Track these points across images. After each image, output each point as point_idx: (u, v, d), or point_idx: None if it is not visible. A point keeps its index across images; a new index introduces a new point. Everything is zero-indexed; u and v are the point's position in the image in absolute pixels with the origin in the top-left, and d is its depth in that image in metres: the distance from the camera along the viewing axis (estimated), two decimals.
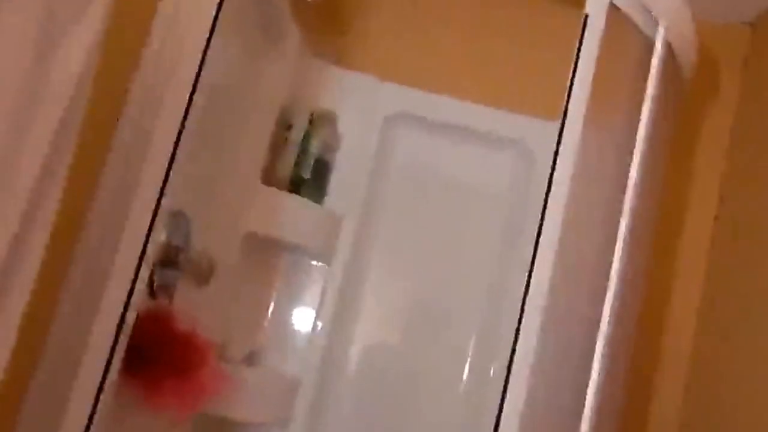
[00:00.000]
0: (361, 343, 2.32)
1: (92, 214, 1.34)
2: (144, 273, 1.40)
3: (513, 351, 1.49)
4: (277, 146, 2.18)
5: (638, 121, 1.64)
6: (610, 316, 1.57)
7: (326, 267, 2.29)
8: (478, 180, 2.36)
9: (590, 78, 1.55)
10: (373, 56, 2.38)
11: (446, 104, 2.33)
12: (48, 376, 1.30)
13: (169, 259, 1.69)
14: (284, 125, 2.20)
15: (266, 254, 2.26)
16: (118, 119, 1.38)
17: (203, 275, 1.85)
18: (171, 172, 1.39)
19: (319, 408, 2.22)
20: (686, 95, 2.04)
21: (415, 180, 2.38)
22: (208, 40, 1.43)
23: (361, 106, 2.32)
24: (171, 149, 1.38)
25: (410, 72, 2.36)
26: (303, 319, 2.29)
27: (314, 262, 2.31)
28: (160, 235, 1.62)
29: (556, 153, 1.55)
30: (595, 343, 1.56)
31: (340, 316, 2.26)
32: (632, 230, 1.61)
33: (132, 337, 1.47)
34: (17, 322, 0.88)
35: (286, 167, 2.19)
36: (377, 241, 2.35)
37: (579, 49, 1.57)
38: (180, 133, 1.39)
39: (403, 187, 2.37)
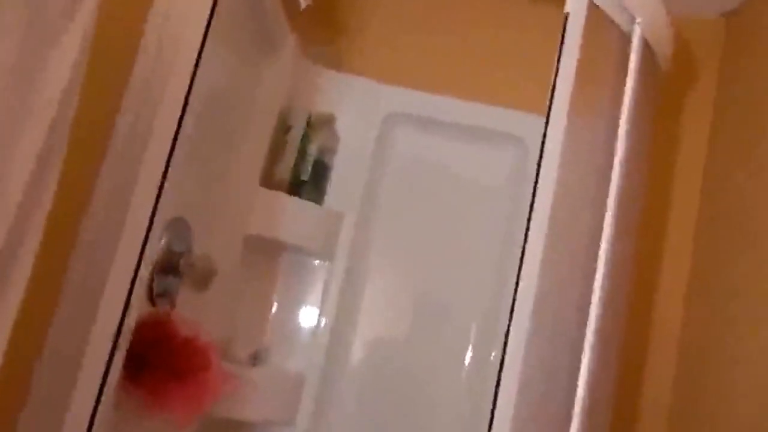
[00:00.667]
0: (364, 339, 2.36)
1: (88, 222, 1.35)
2: (143, 280, 1.43)
3: (506, 339, 1.52)
4: (276, 149, 2.22)
5: (620, 113, 1.67)
6: (599, 303, 1.60)
7: (328, 266, 2.32)
8: (476, 176, 2.40)
9: (572, 74, 1.58)
10: (369, 58, 2.42)
11: (442, 103, 2.36)
12: (46, 385, 1.31)
13: (170, 265, 1.72)
14: (283, 128, 2.23)
15: (268, 255, 2.30)
16: (113, 127, 1.40)
17: (205, 279, 1.88)
18: (167, 179, 1.41)
19: (325, 404, 2.26)
20: (665, 87, 2.07)
21: (414, 178, 2.41)
22: (202, 46, 1.45)
23: (358, 107, 2.36)
24: (167, 156, 1.39)
25: (406, 72, 2.39)
26: (306, 317, 2.32)
27: (316, 262, 2.35)
28: (160, 242, 1.66)
29: (543, 146, 1.59)
30: (586, 327, 1.59)
31: (342, 314, 2.30)
32: (618, 218, 1.64)
33: (134, 344, 1.50)
34: (8, 329, 0.90)
35: (285, 170, 2.23)
36: (377, 240, 2.38)
37: (561, 47, 1.60)
38: (175, 139, 1.41)
39: (401, 185, 2.41)
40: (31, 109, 0.89)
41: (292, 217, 2.22)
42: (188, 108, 1.42)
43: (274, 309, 2.32)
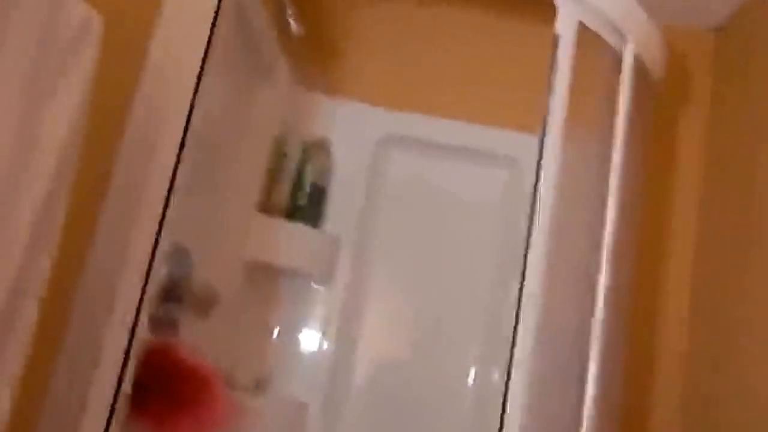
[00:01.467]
0: (367, 361, 2.36)
1: (92, 256, 1.37)
2: (146, 310, 1.45)
3: (511, 355, 1.53)
4: (272, 175, 2.24)
5: (614, 130, 1.69)
6: (603, 317, 1.61)
7: (327, 290, 2.33)
8: (471, 195, 2.42)
9: (565, 95, 1.60)
10: (361, 82, 2.44)
11: (435, 125, 2.39)
12: (54, 417, 1.32)
13: (171, 293, 1.73)
14: (278, 154, 2.26)
15: (268, 281, 2.31)
16: (113, 163, 1.42)
17: (206, 306, 1.89)
18: (168, 210, 1.43)
19: (330, 429, 2.26)
20: (659, 102, 2.09)
21: (410, 199, 2.43)
22: (199, 78, 1.47)
23: (351, 131, 2.38)
24: (167, 189, 1.42)
25: (398, 95, 2.42)
26: (308, 342, 2.33)
27: (315, 286, 2.36)
28: (161, 271, 1.67)
29: (539, 166, 1.60)
30: (590, 345, 1.60)
31: (344, 337, 2.31)
32: (618, 234, 1.66)
33: (139, 372, 1.51)
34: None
35: (282, 195, 2.25)
36: (376, 261, 2.40)
37: (553, 68, 1.63)
38: (174, 172, 1.43)
39: (398, 206, 2.43)
40: (29, 164, 0.90)
41: (290, 241, 2.24)
42: (188, 137, 1.44)
43: (275, 334, 2.33)
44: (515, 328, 1.55)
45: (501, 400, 1.53)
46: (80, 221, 1.35)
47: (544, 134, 1.61)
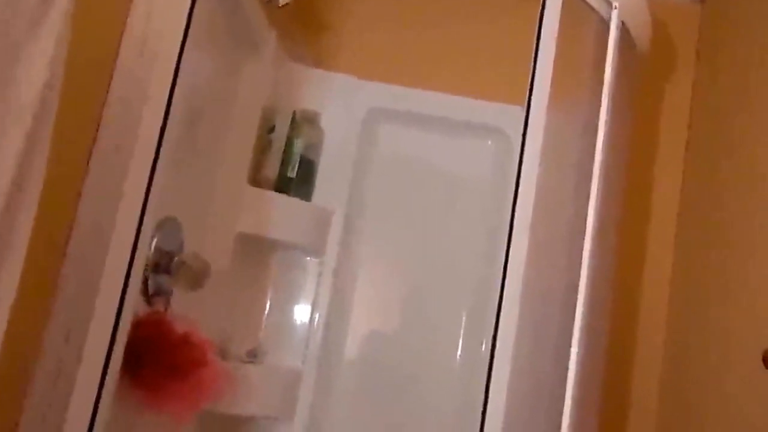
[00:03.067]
0: (358, 332, 2.39)
1: (77, 228, 1.37)
2: (136, 280, 1.46)
3: (496, 326, 1.55)
4: (261, 148, 2.25)
5: (600, 99, 1.70)
6: (586, 288, 1.63)
7: (319, 261, 2.35)
8: (460, 168, 2.43)
9: (551, 61, 1.61)
10: (349, 54, 2.44)
11: (424, 97, 2.39)
12: (45, 387, 1.33)
13: (162, 265, 1.75)
14: (267, 127, 2.26)
15: (259, 253, 2.33)
16: (98, 129, 1.42)
17: (198, 278, 1.89)
18: (155, 178, 1.44)
19: (323, 398, 2.28)
20: (644, 71, 2.10)
21: (399, 172, 2.44)
22: (182, 47, 1.46)
23: (340, 104, 2.39)
24: (153, 156, 1.42)
25: (387, 68, 2.42)
26: (300, 313, 2.35)
27: (307, 258, 2.38)
28: (151, 241, 1.69)
29: (524, 135, 1.62)
30: (574, 314, 1.62)
31: (335, 309, 2.33)
32: (602, 203, 1.67)
33: (130, 342, 1.53)
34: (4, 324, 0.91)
35: (272, 168, 2.25)
36: (367, 234, 2.41)
37: (539, 35, 1.63)
38: (161, 139, 1.43)
39: (387, 180, 2.44)
40: (9, 108, 0.89)
41: (281, 214, 2.25)
42: (172, 109, 1.44)
43: (267, 306, 2.35)
44: (500, 298, 1.57)
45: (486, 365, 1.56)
46: (62, 198, 1.37)
47: (529, 102, 1.62)
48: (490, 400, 1.53)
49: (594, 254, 1.65)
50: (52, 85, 0.95)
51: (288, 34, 2.28)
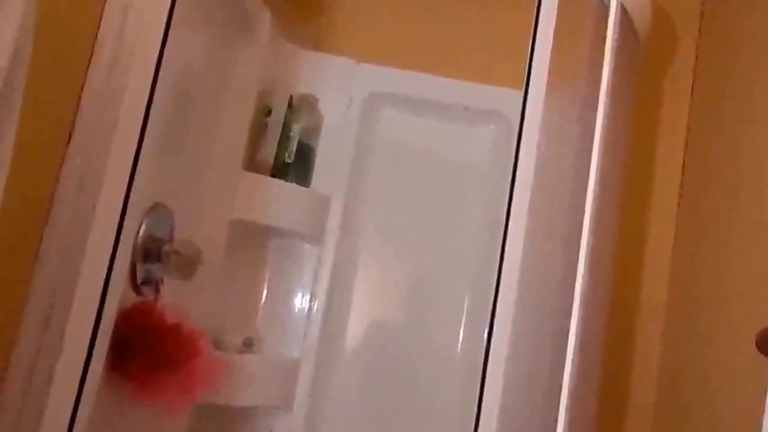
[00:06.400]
0: (357, 321, 2.35)
1: (56, 211, 1.33)
2: (121, 268, 1.42)
3: (492, 316, 1.52)
4: (257, 132, 2.20)
5: (600, 83, 1.65)
6: (584, 275, 1.59)
7: (317, 249, 2.31)
8: (460, 153, 2.39)
9: (549, 45, 1.57)
10: (347, 37, 2.39)
11: (425, 81, 2.34)
12: (21, 379, 1.29)
13: (152, 253, 1.71)
14: (263, 110, 2.21)
15: (256, 241, 2.28)
16: (78, 110, 1.37)
17: (190, 266, 1.86)
18: (139, 164, 1.39)
19: (322, 388, 2.25)
20: (645, 54, 2.05)
21: (399, 157, 2.40)
22: (168, 24, 1.42)
23: (338, 87, 2.33)
24: (137, 140, 1.37)
25: (386, 51, 2.37)
26: (298, 302, 2.31)
27: (305, 245, 2.33)
28: (139, 229, 1.65)
29: (522, 119, 1.57)
30: (572, 300, 1.58)
31: (334, 297, 2.29)
32: (601, 189, 1.62)
33: (119, 333, 1.50)
34: None
35: (268, 153, 2.21)
36: (366, 220, 2.37)
37: (537, 17, 1.59)
38: (145, 122, 1.39)
39: (387, 165, 2.40)
40: None
41: (278, 200, 2.20)
42: (157, 91, 1.40)
43: (264, 295, 2.31)
44: (497, 282, 1.53)
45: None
46: (40, 180, 1.33)
47: (527, 86, 1.57)
48: (485, 391, 1.51)
49: (593, 241, 1.60)
50: (18, 57, 0.91)
51: (284, 15, 2.23)
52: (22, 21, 0.91)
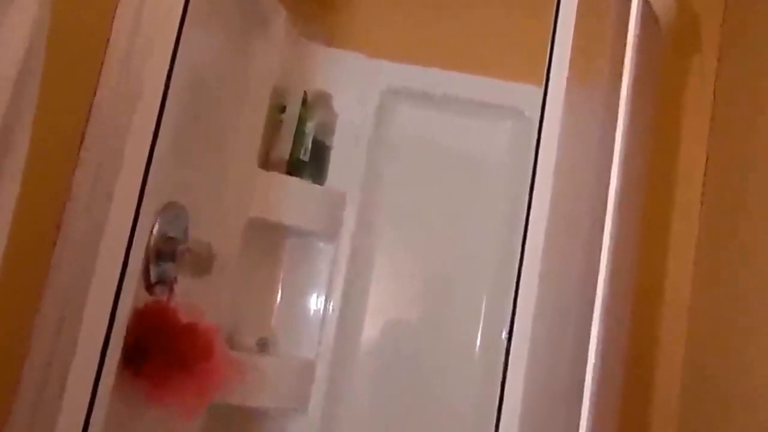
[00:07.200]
0: (374, 321, 2.32)
1: (70, 212, 1.32)
2: (135, 267, 1.40)
3: (512, 317, 1.49)
4: (272, 130, 2.18)
5: (621, 78, 1.61)
6: (606, 273, 1.55)
7: (332, 247, 2.28)
8: (478, 149, 2.36)
9: (570, 38, 1.53)
10: (362, 33, 2.37)
11: (441, 77, 2.32)
12: (34, 384, 1.27)
13: (166, 252, 1.69)
14: (278, 108, 2.19)
15: (271, 239, 2.26)
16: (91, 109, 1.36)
17: (204, 265, 1.85)
18: (153, 162, 1.37)
19: (337, 389, 2.22)
20: (668, 46, 2.02)
21: (415, 154, 2.37)
22: (182, 22, 1.40)
23: (353, 84, 2.31)
24: (150, 139, 1.36)
25: (401, 47, 2.35)
26: (313, 301, 2.29)
27: (320, 244, 2.31)
28: (153, 228, 1.63)
29: (542, 115, 1.54)
30: (594, 301, 1.54)
31: (350, 296, 2.26)
32: (623, 187, 1.59)
33: (133, 333, 1.48)
34: None
35: (283, 150, 2.19)
36: (382, 218, 2.35)
37: (557, 10, 1.55)
38: (159, 121, 1.37)
39: (403, 162, 2.37)
40: None
41: (293, 198, 2.18)
42: (170, 89, 1.38)
43: (279, 294, 2.29)
44: (518, 281, 1.50)
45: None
46: (54, 180, 1.31)
47: (547, 81, 1.54)
48: (506, 392, 1.48)
49: (615, 238, 1.57)
50: (36, 47, 0.90)
51: (298, 11, 2.21)
52: (36, 18, 0.89)
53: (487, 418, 1.52)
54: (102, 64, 1.36)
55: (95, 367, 1.31)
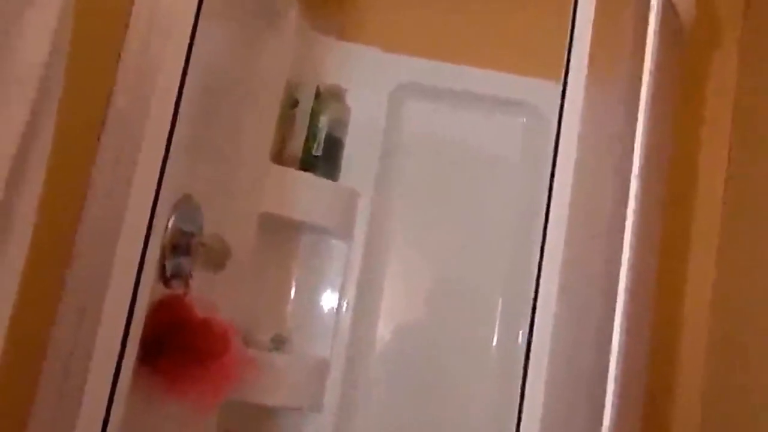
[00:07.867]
0: (388, 319, 2.30)
1: (88, 207, 1.31)
2: (152, 261, 1.40)
3: (533, 316, 1.48)
4: (285, 124, 2.17)
5: (641, 76, 1.59)
6: (628, 274, 1.54)
7: (346, 245, 2.26)
8: (492, 145, 2.34)
9: (589, 33, 1.52)
10: (376, 27, 2.35)
11: (455, 72, 2.30)
12: (56, 377, 1.27)
13: (181, 246, 1.68)
14: (290, 102, 2.18)
15: (284, 235, 2.25)
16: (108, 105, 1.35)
17: (218, 260, 1.83)
18: (170, 156, 1.37)
19: (351, 388, 2.21)
20: (689, 42, 2.00)
21: (429, 150, 2.35)
22: (197, 16, 1.40)
23: (366, 78, 2.29)
24: (167, 133, 1.35)
25: (415, 41, 2.33)
26: (327, 299, 2.27)
27: (333, 241, 2.29)
28: (168, 222, 1.62)
29: (561, 112, 1.53)
30: (614, 304, 1.53)
31: (364, 294, 2.25)
32: (644, 182, 1.57)
33: (149, 327, 1.47)
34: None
35: (296, 145, 2.17)
36: (395, 215, 2.33)
37: (575, 4, 1.54)
38: (175, 115, 1.37)
39: (416, 157, 2.35)
40: (12, 76, 0.84)
41: (306, 194, 2.17)
42: (186, 84, 1.37)
43: (293, 292, 2.28)
44: (537, 283, 1.48)
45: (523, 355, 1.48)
46: (72, 176, 1.30)
47: (566, 77, 1.53)
48: (527, 394, 1.45)
49: (636, 238, 1.55)
50: (55, 57, 0.89)
51: (311, 4, 2.20)
52: (62, 11, 0.88)
53: (503, 420, 1.50)
54: (118, 58, 1.36)
55: (116, 358, 1.31)
